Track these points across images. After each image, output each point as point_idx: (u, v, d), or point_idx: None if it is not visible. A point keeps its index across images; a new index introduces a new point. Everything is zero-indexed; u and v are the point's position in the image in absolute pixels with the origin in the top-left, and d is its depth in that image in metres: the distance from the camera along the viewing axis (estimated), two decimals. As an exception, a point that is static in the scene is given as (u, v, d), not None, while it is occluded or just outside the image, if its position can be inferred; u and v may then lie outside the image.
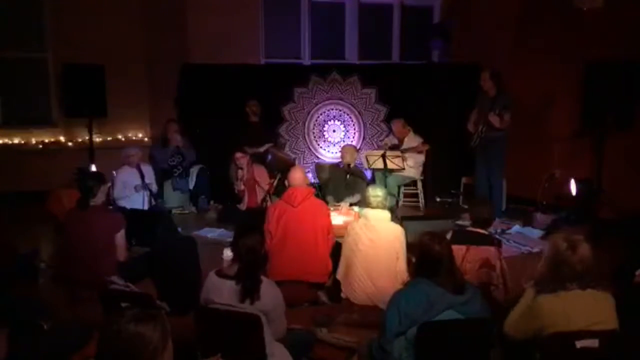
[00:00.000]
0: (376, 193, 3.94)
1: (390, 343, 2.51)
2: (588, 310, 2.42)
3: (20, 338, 2.82)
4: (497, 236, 5.49)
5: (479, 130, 6.09)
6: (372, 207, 3.92)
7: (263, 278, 2.80)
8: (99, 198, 3.97)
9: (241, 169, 6.31)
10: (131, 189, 5.77)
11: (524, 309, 2.55)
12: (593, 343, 2.34)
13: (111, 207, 4.95)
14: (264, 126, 7.13)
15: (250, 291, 2.65)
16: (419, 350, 2.43)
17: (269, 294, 2.74)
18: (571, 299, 2.43)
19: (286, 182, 4.44)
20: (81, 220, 3.93)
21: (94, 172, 5.45)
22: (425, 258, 2.59)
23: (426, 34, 8.41)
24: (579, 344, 2.33)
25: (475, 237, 3.63)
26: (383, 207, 3.94)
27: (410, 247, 4.24)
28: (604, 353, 2.37)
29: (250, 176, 6.32)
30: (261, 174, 6.35)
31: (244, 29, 7.69)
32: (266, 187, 6.16)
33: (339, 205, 5.81)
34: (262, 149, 6.91)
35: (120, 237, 3.91)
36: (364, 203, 4.26)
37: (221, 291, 2.69)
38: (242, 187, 6.33)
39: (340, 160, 6.79)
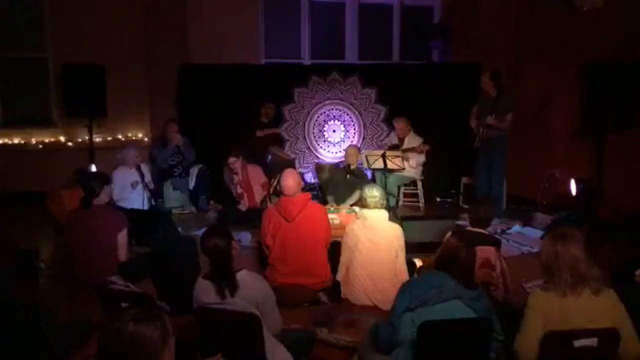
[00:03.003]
0: (372, 193, 3.93)
1: (399, 318, 2.54)
2: (587, 310, 2.41)
3: (20, 338, 2.82)
4: (497, 236, 5.54)
5: (480, 132, 6.09)
6: (370, 208, 3.91)
7: (244, 271, 2.80)
8: (102, 198, 4.00)
9: (236, 173, 6.30)
10: (129, 189, 5.74)
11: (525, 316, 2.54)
12: (592, 342, 2.33)
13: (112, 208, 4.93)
14: (272, 128, 7.20)
15: (225, 285, 2.68)
16: (419, 350, 2.43)
17: (253, 285, 2.76)
18: (570, 299, 2.43)
19: (278, 188, 4.32)
20: (84, 219, 3.94)
21: (97, 172, 5.44)
22: (449, 257, 2.63)
23: (426, 34, 8.41)
24: (577, 343, 2.32)
25: (474, 236, 3.63)
26: (380, 207, 3.93)
27: (417, 246, 4.26)
28: (603, 352, 2.36)
29: (245, 178, 6.30)
30: (255, 173, 6.33)
31: (244, 29, 7.70)
32: (261, 186, 6.16)
33: (339, 208, 5.79)
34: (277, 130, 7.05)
35: (122, 236, 3.94)
36: (361, 204, 4.23)
37: (208, 292, 2.72)
38: (240, 190, 6.32)
39: (340, 160, 6.77)
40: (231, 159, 6.22)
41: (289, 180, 4.06)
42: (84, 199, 3.96)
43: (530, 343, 2.42)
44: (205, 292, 2.73)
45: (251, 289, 2.73)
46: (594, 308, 2.42)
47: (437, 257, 2.72)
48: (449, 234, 2.84)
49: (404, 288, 2.64)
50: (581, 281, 2.43)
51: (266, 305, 2.75)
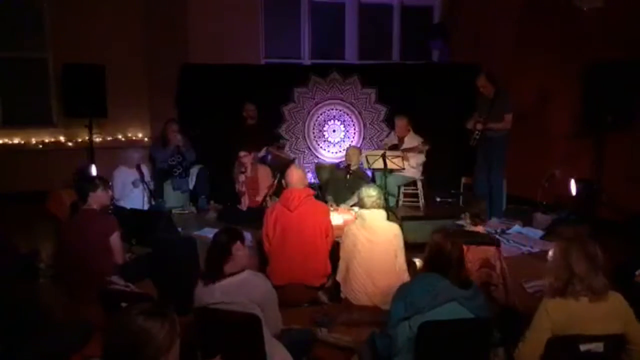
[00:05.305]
0: (370, 193, 3.93)
1: (394, 328, 2.53)
2: (594, 314, 2.35)
3: (20, 338, 2.82)
4: (497, 236, 5.55)
5: (476, 130, 6.09)
6: (367, 208, 3.92)
7: (250, 271, 2.84)
8: (91, 203, 3.88)
9: (245, 170, 6.29)
10: (130, 188, 5.75)
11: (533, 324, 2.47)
12: (597, 347, 2.30)
13: (111, 208, 4.92)
14: (261, 128, 7.09)
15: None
16: (419, 350, 2.43)
17: (259, 285, 2.80)
18: (578, 308, 2.36)
19: (283, 182, 4.39)
20: (74, 224, 3.90)
21: (90, 177, 5.35)
22: (435, 255, 2.61)
23: (426, 34, 8.42)
24: (583, 347, 2.30)
25: (472, 236, 3.64)
26: (378, 207, 3.93)
27: (416, 246, 4.25)
28: (609, 356, 2.34)
29: (253, 175, 6.30)
30: (265, 175, 6.33)
31: (244, 29, 7.70)
32: (266, 189, 6.14)
33: (339, 208, 5.79)
34: (260, 155, 6.88)
35: (114, 240, 3.84)
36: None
37: (212, 294, 2.72)
38: (243, 188, 6.31)
39: (340, 160, 6.75)
40: (242, 153, 6.22)
41: (294, 173, 4.24)
42: (73, 204, 3.91)
43: (532, 354, 2.38)
44: (208, 294, 2.74)
45: (254, 287, 2.75)
46: (601, 311, 2.36)
47: (426, 259, 2.70)
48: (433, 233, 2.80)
49: (398, 296, 2.60)
50: (590, 286, 2.35)
51: (268, 305, 2.77)
